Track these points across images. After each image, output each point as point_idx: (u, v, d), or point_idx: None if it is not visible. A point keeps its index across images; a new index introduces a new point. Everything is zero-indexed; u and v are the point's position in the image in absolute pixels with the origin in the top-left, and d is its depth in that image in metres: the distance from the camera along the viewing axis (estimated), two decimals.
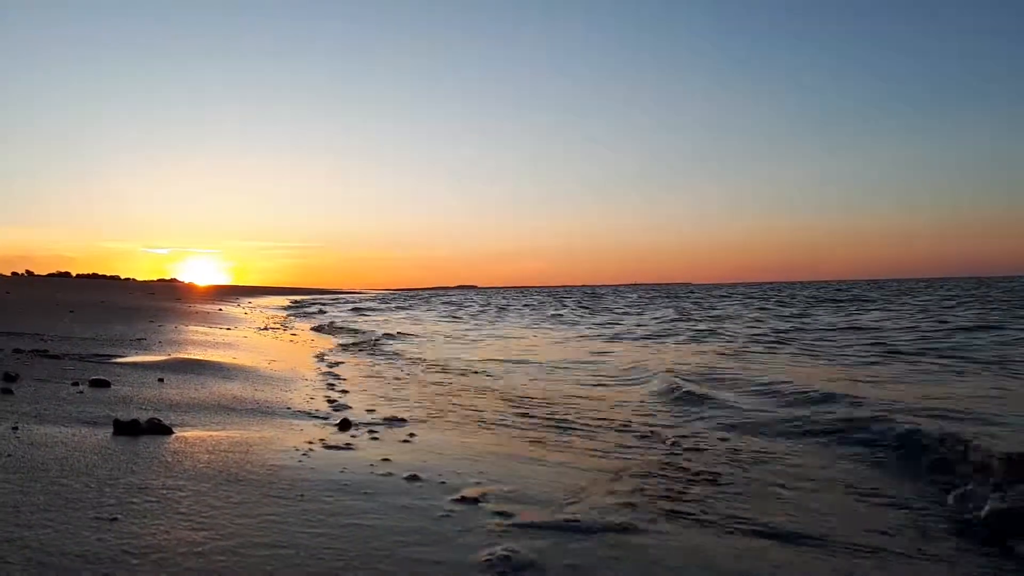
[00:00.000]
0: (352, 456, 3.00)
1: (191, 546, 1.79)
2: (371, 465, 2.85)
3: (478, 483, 2.74)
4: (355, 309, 30.83)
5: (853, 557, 2.26)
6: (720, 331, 13.91)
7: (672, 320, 18.71)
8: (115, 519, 1.93)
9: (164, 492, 2.21)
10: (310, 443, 3.17)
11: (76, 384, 4.12)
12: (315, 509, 2.21)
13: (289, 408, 4.16)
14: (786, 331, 13.46)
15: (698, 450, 3.76)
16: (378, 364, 8.02)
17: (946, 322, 14.28)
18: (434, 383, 6.60)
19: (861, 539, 2.44)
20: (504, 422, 4.47)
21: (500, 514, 2.35)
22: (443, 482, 2.70)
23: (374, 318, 22.57)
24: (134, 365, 5.36)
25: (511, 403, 5.30)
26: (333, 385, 5.55)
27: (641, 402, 5.55)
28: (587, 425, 4.44)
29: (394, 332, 14.37)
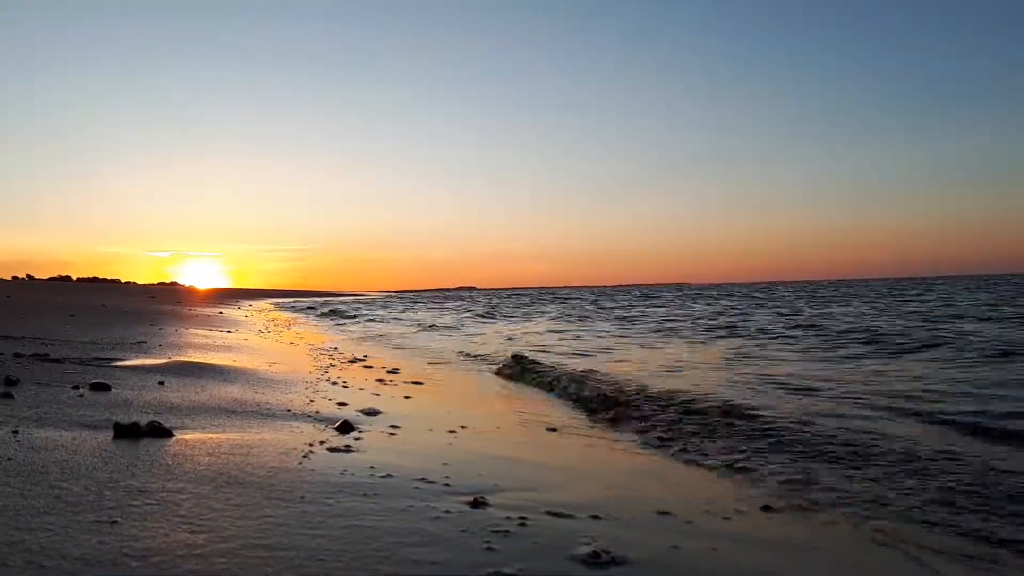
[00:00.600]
0: (353, 458, 3.01)
1: (191, 548, 1.79)
2: (372, 467, 2.85)
3: (482, 485, 2.74)
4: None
5: None
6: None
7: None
8: (115, 522, 1.93)
9: (164, 495, 2.21)
10: (310, 445, 3.17)
11: (76, 388, 4.13)
12: (315, 511, 2.21)
13: (290, 410, 4.16)
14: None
15: None
16: (382, 368, 8.02)
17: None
18: (443, 386, 6.61)
19: None
20: (520, 424, 4.47)
21: (504, 516, 2.35)
22: (447, 484, 2.70)
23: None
24: (134, 368, 5.37)
25: (521, 410, 5.30)
26: (334, 387, 5.55)
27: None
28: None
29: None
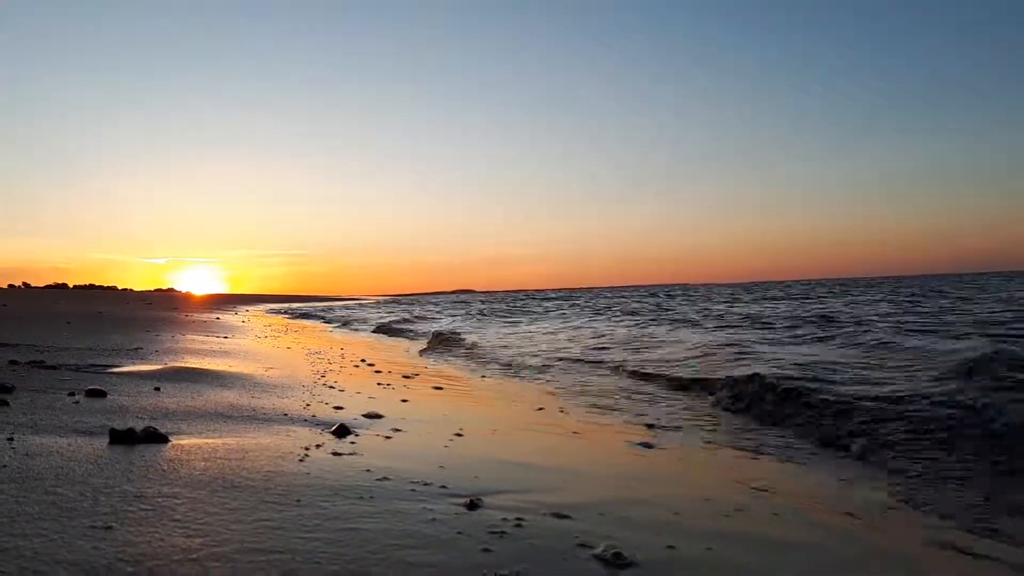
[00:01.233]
0: (349, 461, 3.00)
1: (186, 553, 1.79)
2: (368, 470, 2.85)
3: (477, 488, 2.74)
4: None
5: None
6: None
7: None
8: (110, 527, 1.93)
9: (159, 500, 2.21)
10: (307, 449, 3.17)
11: (72, 394, 4.12)
12: (311, 514, 2.21)
13: (286, 414, 4.16)
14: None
15: None
16: (376, 371, 8.02)
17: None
18: (435, 388, 6.60)
19: None
20: (517, 427, 4.47)
21: (500, 518, 2.35)
22: (443, 487, 2.70)
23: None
24: (130, 375, 5.35)
25: (525, 406, 5.29)
26: (332, 391, 5.54)
27: None
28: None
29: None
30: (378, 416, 4.37)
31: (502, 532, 2.21)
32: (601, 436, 4.54)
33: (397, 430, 3.94)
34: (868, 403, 5.02)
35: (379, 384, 6.42)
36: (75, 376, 4.99)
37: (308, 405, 4.62)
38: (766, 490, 3.24)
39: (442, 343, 13.45)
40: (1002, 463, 3.60)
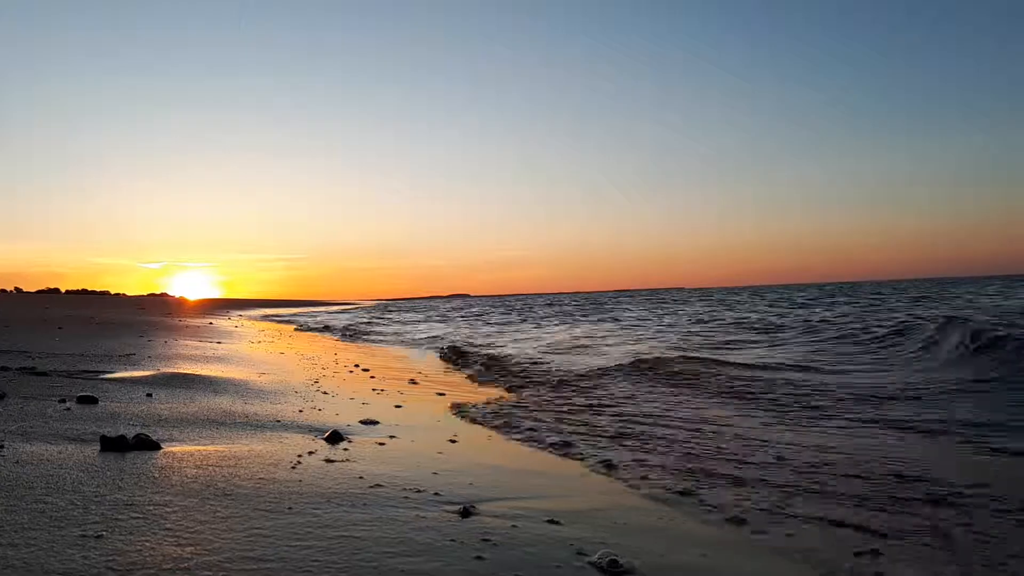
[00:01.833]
0: (341, 468, 2.99)
1: (176, 562, 1.78)
2: (360, 477, 2.84)
3: (471, 495, 2.74)
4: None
5: None
6: None
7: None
8: (100, 536, 1.92)
9: (151, 508, 2.19)
10: (299, 456, 3.15)
11: (63, 401, 4.09)
12: (302, 522, 2.20)
13: (279, 421, 4.14)
14: None
15: None
16: (372, 377, 8.00)
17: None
18: (434, 394, 6.59)
19: None
20: (507, 435, 4.46)
21: (494, 525, 2.35)
22: (436, 494, 2.69)
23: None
24: (122, 381, 5.33)
25: (517, 409, 5.29)
26: (326, 397, 5.52)
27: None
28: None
29: None
30: (372, 422, 4.36)
31: (495, 540, 2.20)
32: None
33: (391, 436, 3.92)
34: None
35: (373, 390, 6.40)
36: (66, 382, 4.96)
37: (301, 411, 4.60)
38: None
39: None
40: None
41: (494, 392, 6.99)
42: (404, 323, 25.92)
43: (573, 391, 6.74)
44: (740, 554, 2.37)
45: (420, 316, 31.66)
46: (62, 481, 2.41)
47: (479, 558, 2.03)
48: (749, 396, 6.14)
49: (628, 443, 4.15)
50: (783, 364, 8.81)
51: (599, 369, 8.53)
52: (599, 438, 4.31)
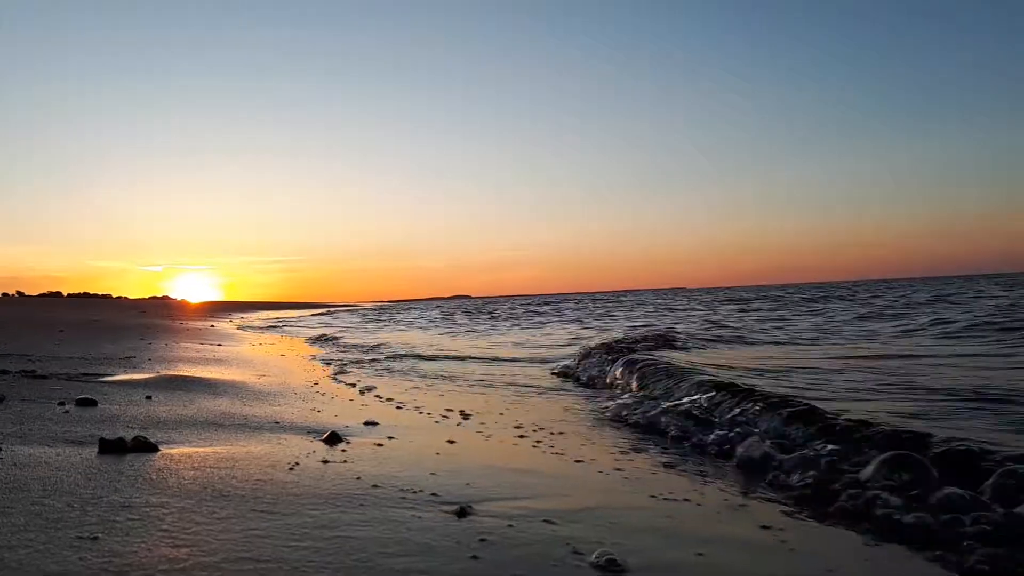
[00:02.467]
0: (339, 469, 3.00)
1: (173, 563, 1.79)
2: (358, 478, 2.84)
3: (468, 495, 2.74)
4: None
5: None
6: None
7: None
8: (96, 538, 1.92)
9: (147, 510, 2.20)
10: (297, 457, 3.16)
11: (62, 404, 4.10)
12: (300, 523, 2.20)
13: (277, 422, 4.15)
14: None
15: None
16: (370, 376, 8.00)
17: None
18: (435, 393, 6.59)
19: None
20: (504, 434, 4.46)
21: (491, 525, 2.35)
22: (434, 494, 2.69)
23: None
24: (122, 383, 5.34)
25: (512, 412, 5.29)
26: (324, 398, 5.53)
27: None
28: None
29: None
30: (371, 424, 4.36)
31: (492, 539, 2.20)
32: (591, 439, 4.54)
33: (390, 438, 3.92)
34: None
35: (370, 391, 6.40)
36: (66, 385, 4.98)
37: (300, 413, 4.61)
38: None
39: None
40: None
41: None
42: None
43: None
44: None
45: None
46: (59, 483, 2.42)
47: (475, 558, 2.03)
48: None
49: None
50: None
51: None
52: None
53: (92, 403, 4.16)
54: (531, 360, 10.01)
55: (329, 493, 2.59)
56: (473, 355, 10.91)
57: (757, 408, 4.28)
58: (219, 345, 11.70)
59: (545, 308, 38.10)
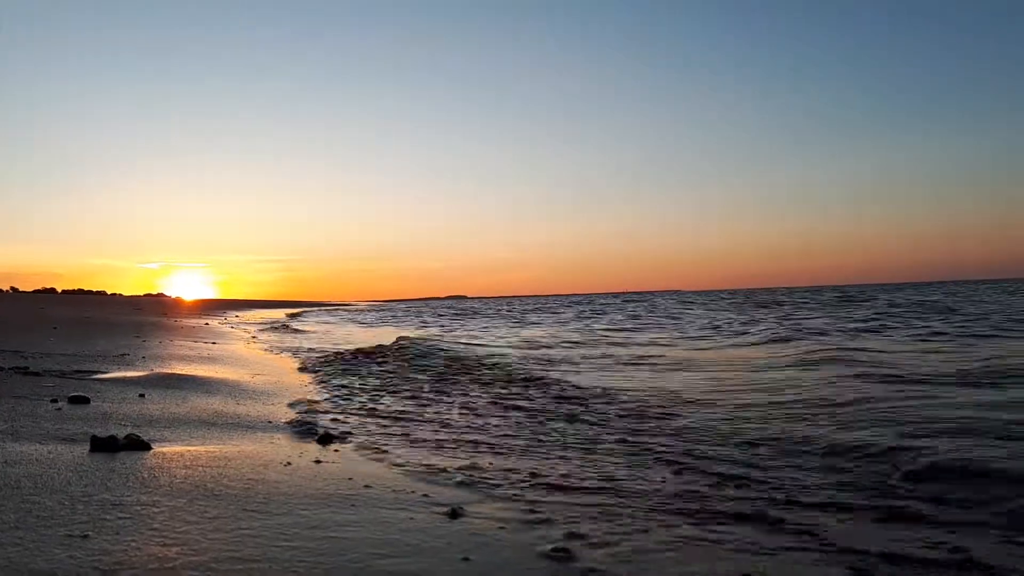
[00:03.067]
0: (332, 469, 3.00)
1: (162, 562, 1.79)
2: (350, 478, 2.84)
3: (460, 496, 2.74)
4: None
5: None
6: None
7: None
8: (86, 536, 1.92)
9: (138, 508, 2.19)
10: (289, 456, 3.16)
11: (55, 401, 4.09)
12: (291, 523, 2.20)
13: (270, 422, 4.14)
14: None
15: None
16: (365, 378, 7.99)
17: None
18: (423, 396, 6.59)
19: None
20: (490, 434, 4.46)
21: (481, 527, 2.35)
22: (425, 495, 2.69)
23: None
24: (115, 381, 5.32)
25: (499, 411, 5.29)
26: (316, 399, 5.52)
27: None
28: None
29: None
30: (363, 423, 4.35)
31: (483, 541, 2.21)
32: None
33: (380, 437, 3.92)
34: None
35: (363, 392, 6.40)
36: (59, 382, 4.96)
37: (292, 412, 4.60)
38: None
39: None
40: None
41: None
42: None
43: None
44: None
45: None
46: (51, 481, 2.41)
47: (466, 559, 2.03)
48: None
49: None
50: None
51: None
52: None
53: (85, 401, 4.15)
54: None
55: (321, 493, 2.59)
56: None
57: None
58: (213, 343, 11.67)
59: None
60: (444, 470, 3.14)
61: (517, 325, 21.33)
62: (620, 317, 24.32)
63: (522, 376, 7.40)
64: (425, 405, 5.40)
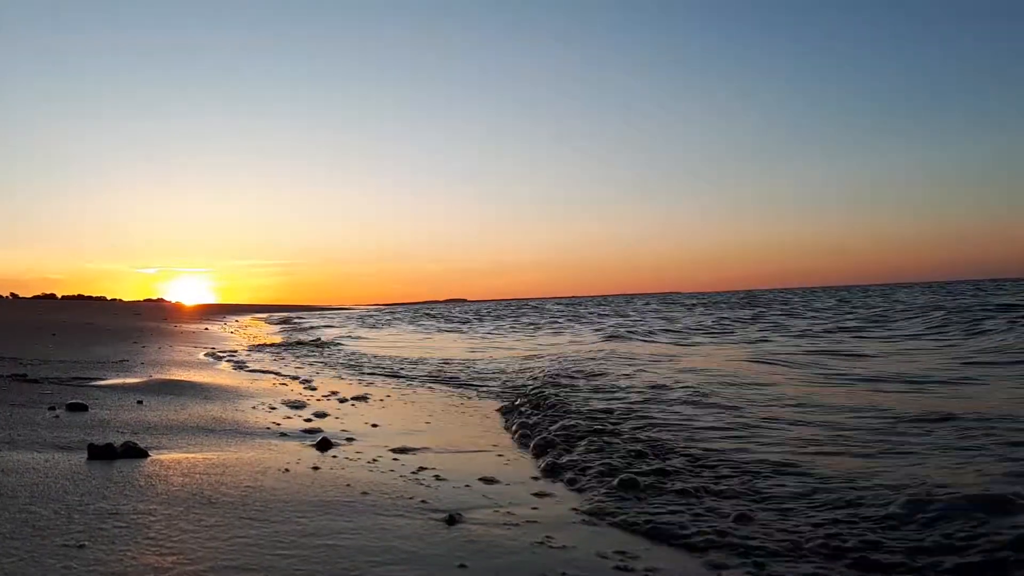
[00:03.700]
0: (330, 476, 2.99)
1: (158, 571, 1.78)
2: (348, 485, 2.84)
3: (458, 502, 2.73)
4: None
5: None
6: None
7: None
8: (82, 546, 1.91)
9: (134, 517, 2.19)
10: (287, 463, 3.15)
11: (52, 408, 4.08)
12: (288, 531, 2.20)
13: (268, 428, 4.14)
14: None
15: None
16: (362, 382, 7.99)
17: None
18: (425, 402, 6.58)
19: None
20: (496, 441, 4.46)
21: (478, 533, 2.35)
22: (423, 501, 2.69)
23: None
24: (113, 388, 5.32)
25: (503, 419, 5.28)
26: (318, 404, 5.52)
27: None
28: None
29: None
30: (362, 429, 4.35)
31: (481, 547, 2.20)
32: None
33: (380, 444, 3.92)
34: None
35: (364, 397, 6.39)
36: (57, 389, 4.96)
37: (291, 418, 4.60)
38: None
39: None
40: None
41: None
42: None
43: None
44: None
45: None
46: (47, 490, 2.41)
47: (462, 566, 2.03)
48: None
49: None
50: None
51: None
52: None
53: (83, 408, 4.15)
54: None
55: (319, 500, 2.58)
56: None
57: None
58: (213, 348, 11.67)
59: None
60: (444, 478, 3.14)
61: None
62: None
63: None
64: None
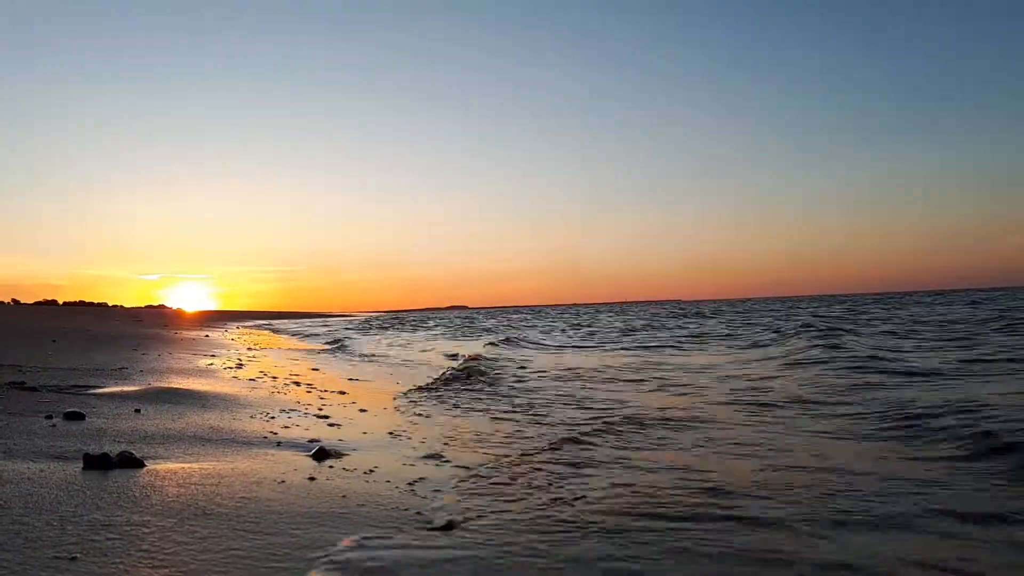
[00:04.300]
0: (325, 487, 2.98)
1: None
2: (343, 496, 2.83)
3: (452, 512, 2.72)
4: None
5: None
6: None
7: None
8: (74, 558, 1.90)
9: (128, 528, 2.18)
10: (283, 474, 3.14)
11: (50, 417, 4.07)
12: (281, 542, 2.19)
13: (266, 438, 4.12)
14: None
15: None
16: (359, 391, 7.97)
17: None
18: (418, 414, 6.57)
19: None
20: (491, 450, 4.44)
21: (475, 542, 2.34)
22: (418, 512, 2.68)
23: None
24: (111, 396, 5.31)
25: (503, 426, 5.27)
26: (315, 414, 5.51)
27: None
28: None
29: None
30: (359, 440, 4.34)
31: (477, 557, 2.19)
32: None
33: (376, 453, 3.91)
34: None
35: (361, 410, 6.38)
36: (55, 398, 4.95)
37: (288, 428, 4.58)
38: None
39: None
40: None
41: None
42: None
43: None
44: None
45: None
46: (41, 500, 2.40)
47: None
48: None
49: None
50: None
51: None
52: None
53: (80, 417, 4.13)
54: None
55: (314, 512, 2.57)
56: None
57: None
58: (212, 356, 11.65)
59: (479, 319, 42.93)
60: (439, 490, 3.13)
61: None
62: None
63: None
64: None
